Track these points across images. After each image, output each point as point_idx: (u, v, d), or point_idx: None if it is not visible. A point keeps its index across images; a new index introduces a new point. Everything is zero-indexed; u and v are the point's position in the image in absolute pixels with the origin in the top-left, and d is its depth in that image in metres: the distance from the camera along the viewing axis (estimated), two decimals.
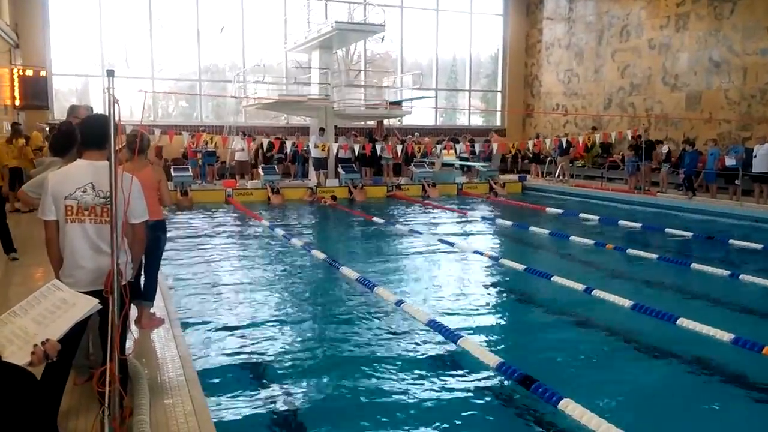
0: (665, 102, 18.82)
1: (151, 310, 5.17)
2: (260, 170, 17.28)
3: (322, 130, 17.72)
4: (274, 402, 4.19)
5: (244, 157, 18.07)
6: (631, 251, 9.35)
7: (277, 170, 17.54)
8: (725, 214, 13.20)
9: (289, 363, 4.88)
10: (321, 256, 8.84)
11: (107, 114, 2.83)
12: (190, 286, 7.18)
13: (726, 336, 5.33)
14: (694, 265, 8.27)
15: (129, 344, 4.03)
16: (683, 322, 5.73)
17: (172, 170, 16.00)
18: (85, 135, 3.28)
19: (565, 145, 18.51)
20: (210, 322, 5.86)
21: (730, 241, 10.25)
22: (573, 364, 4.95)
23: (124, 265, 3.09)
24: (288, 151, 18.10)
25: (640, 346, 5.35)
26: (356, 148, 17.33)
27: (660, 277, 8.11)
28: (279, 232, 11.06)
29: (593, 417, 3.76)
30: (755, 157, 13.82)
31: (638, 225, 12.09)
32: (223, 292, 6.99)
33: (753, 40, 16.11)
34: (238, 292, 7.01)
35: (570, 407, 3.91)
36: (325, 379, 4.57)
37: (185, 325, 5.49)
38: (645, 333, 5.66)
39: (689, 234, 10.93)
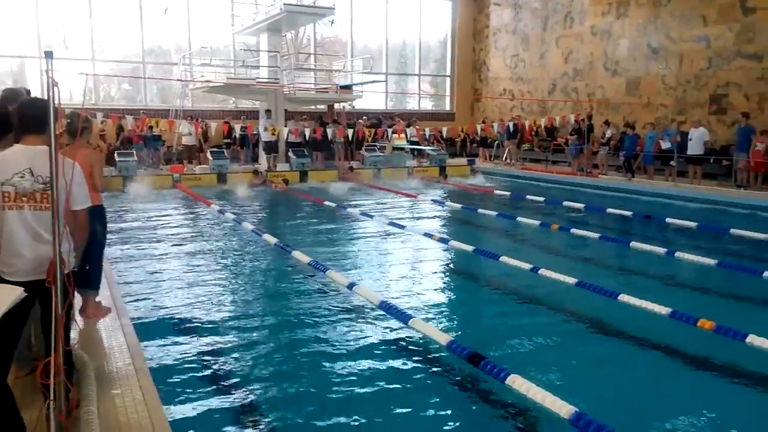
0: (606, 87, 19.38)
1: (97, 299, 5.04)
2: (209, 155, 16.96)
3: (268, 112, 17.50)
4: (227, 388, 4.17)
5: (191, 142, 17.67)
6: (574, 231, 9.67)
7: (226, 155, 17.24)
8: (662, 195, 13.77)
9: (241, 348, 4.87)
10: (272, 240, 8.78)
11: (46, 97, 2.73)
12: (139, 274, 7.03)
13: (664, 310, 5.60)
14: (634, 244, 8.63)
15: (73, 335, 3.94)
16: (624, 297, 5.98)
17: (115, 155, 15.53)
18: (23, 120, 3.15)
19: (512, 129, 18.88)
20: (159, 310, 5.76)
21: (667, 219, 10.72)
22: (520, 341, 5.11)
23: (67, 254, 3.01)
24: (237, 135, 17.83)
25: (584, 322, 5.57)
26: (307, 132, 17.21)
27: (602, 256, 8.44)
28: (229, 216, 10.92)
29: (539, 391, 3.90)
30: (690, 140, 14.43)
31: (581, 206, 12.49)
32: (172, 280, 6.86)
33: (689, 27, 16.74)
34: (188, 279, 6.90)
35: (517, 382, 4.05)
36: (277, 362, 4.58)
37: (133, 314, 5.38)
38: (589, 309, 5.89)
39: (629, 213, 11.37)
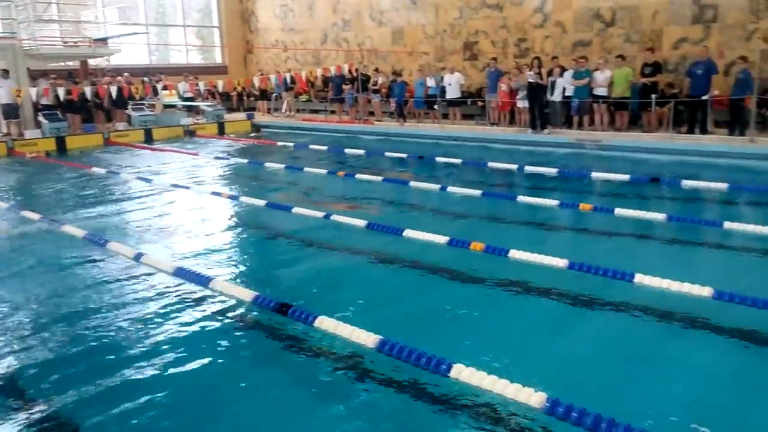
0: (374, 37, 20.25)
1: None
2: None
3: (5, 72, 15.09)
4: (8, 391, 3.71)
5: None
6: (359, 176, 10.17)
7: None
8: (430, 136, 15.04)
9: (15, 345, 4.31)
10: (35, 216, 7.79)
11: None
12: None
13: (443, 239, 6.26)
14: (412, 183, 9.40)
15: None
16: (408, 232, 6.55)
17: None
18: None
19: (289, 80, 18.84)
20: None
21: (436, 158, 11.80)
22: (322, 284, 5.33)
23: None
24: None
25: (377, 258, 5.97)
26: (61, 92, 15.24)
27: (385, 196, 9.03)
28: None
29: (346, 327, 4.17)
30: (449, 85, 15.86)
31: (362, 152, 13.13)
32: None
33: None
34: None
35: (325, 323, 4.26)
36: (62, 354, 4.11)
37: None
38: (380, 246, 6.32)
39: (405, 155, 12.27)
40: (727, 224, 6.54)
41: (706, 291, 4.65)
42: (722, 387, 3.55)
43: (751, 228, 6.40)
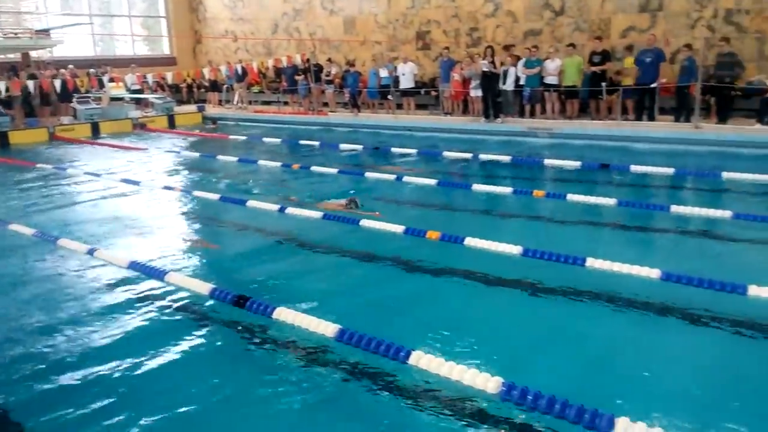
0: (326, 26, 20.07)
1: None
2: None
3: None
4: None
5: None
6: (314, 168, 10.10)
7: None
8: (385, 126, 15.02)
9: None
10: None
11: None
12: None
13: (399, 228, 6.28)
14: (368, 174, 9.39)
15: None
16: (365, 222, 6.55)
17: None
18: None
19: (240, 71, 18.51)
20: None
21: (392, 149, 11.82)
22: (279, 276, 5.27)
23: None
24: None
25: (334, 251, 5.95)
26: (1, 86, 14.60)
27: (341, 187, 8.99)
28: None
29: (305, 317, 4.15)
30: (403, 74, 15.86)
31: (317, 143, 13.03)
32: None
33: None
34: None
35: (284, 314, 4.23)
36: (17, 350, 4.01)
37: None
38: (336, 238, 6.30)
39: (360, 147, 12.24)
40: (674, 207, 6.77)
41: (654, 273, 4.81)
42: (670, 365, 3.68)
43: (696, 211, 6.64)
